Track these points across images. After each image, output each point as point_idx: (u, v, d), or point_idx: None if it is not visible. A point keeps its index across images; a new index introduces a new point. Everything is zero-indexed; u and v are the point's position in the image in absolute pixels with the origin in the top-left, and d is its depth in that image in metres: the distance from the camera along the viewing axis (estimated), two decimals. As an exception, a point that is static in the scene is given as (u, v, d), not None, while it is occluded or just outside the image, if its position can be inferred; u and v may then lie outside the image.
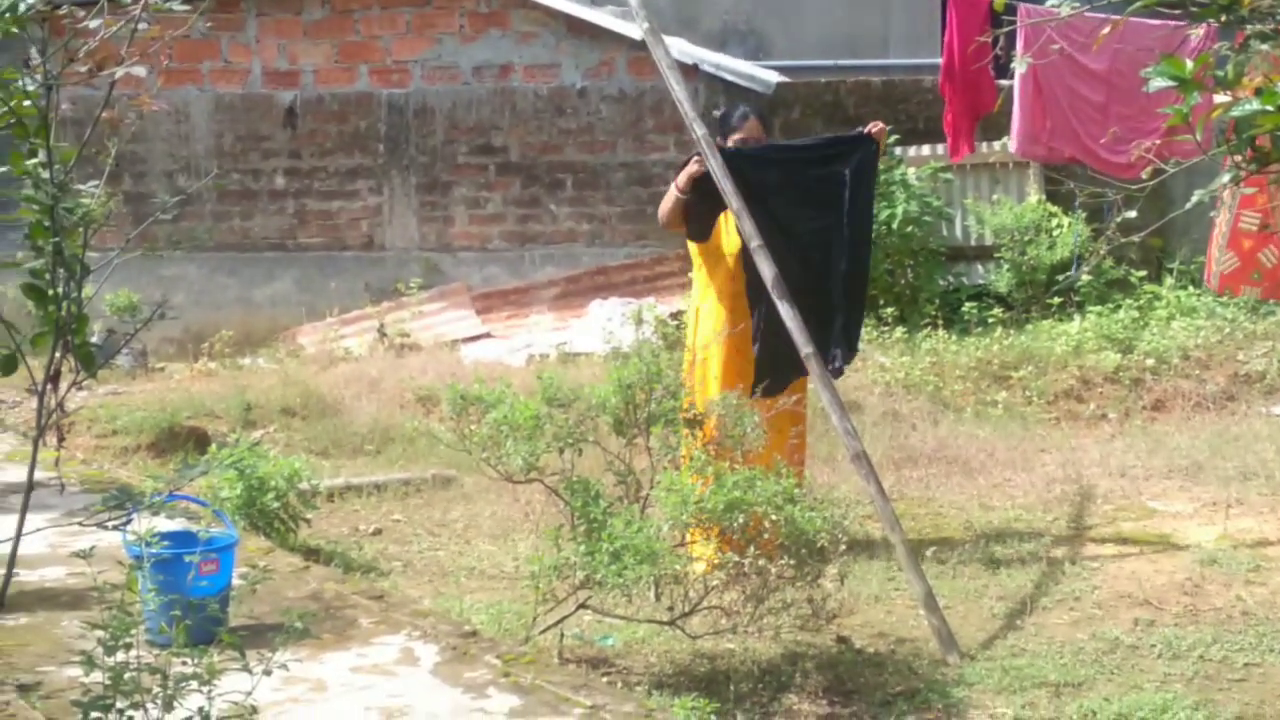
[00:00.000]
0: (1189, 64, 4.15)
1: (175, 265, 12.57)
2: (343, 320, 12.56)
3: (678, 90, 6.65)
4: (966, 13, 10.30)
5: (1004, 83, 10.53)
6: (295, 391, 10.13)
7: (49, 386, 4.00)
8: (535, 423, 5.68)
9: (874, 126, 6.96)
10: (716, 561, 5.29)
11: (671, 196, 6.85)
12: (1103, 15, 5.69)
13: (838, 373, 6.80)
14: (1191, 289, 11.69)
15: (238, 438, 7.58)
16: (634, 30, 12.01)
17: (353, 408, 10.00)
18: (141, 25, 4.02)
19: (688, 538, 5.40)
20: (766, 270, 6.27)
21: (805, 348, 6.16)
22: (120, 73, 3.90)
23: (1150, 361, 10.33)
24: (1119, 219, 5.18)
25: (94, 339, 3.97)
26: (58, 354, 3.95)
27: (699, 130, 6.51)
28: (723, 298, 6.81)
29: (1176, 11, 5.05)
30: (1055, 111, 10.16)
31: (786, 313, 6.20)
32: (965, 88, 10.36)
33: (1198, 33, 6.62)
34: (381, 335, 11.99)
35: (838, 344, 6.78)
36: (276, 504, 6.77)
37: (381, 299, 12.72)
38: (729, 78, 12.76)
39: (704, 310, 6.92)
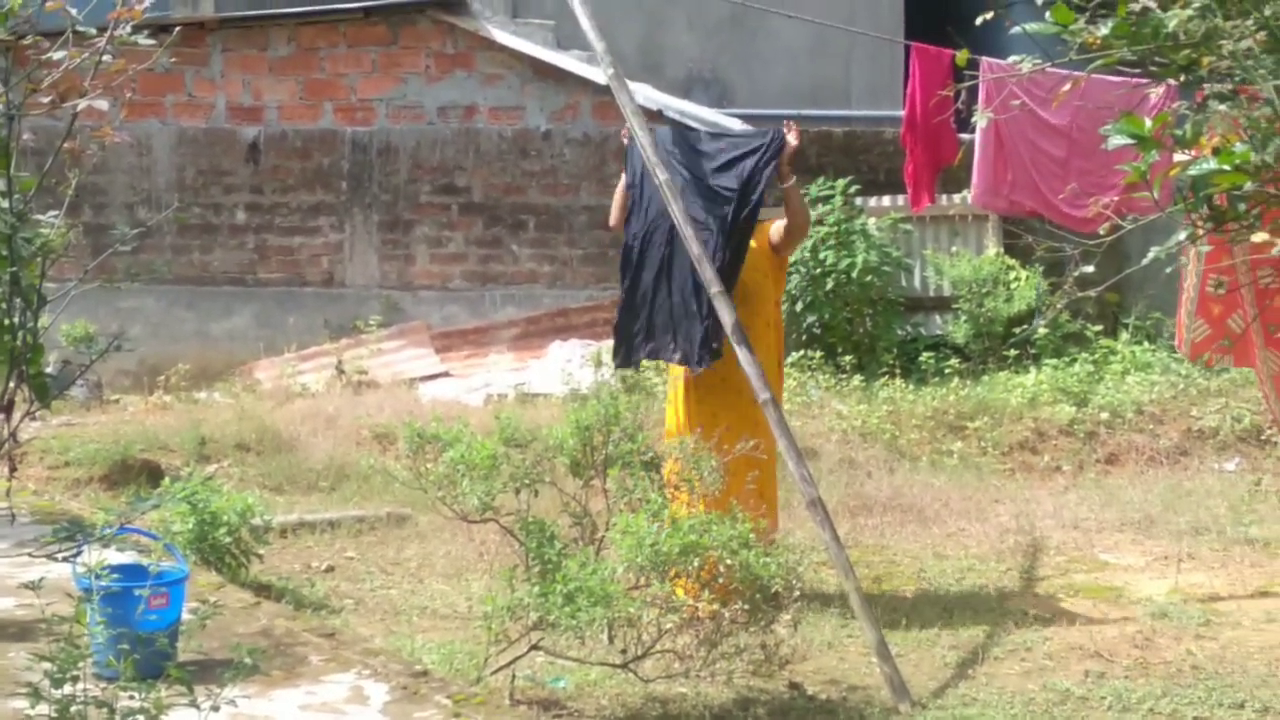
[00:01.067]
0: (1148, 122, 4.21)
1: (133, 297, 12.49)
2: (301, 356, 12.51)
3: (642, 136, 6.69)
4: (929, 66, 10.38)
5: (965, 136, 10.62)
6: (250, 426, 10.08)
7: (1, 416, 3.96)
8: (492, 462, 5.68)
9: (790, 131, 6.90)
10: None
11: (619, 191, 7.02)
12: (1064, 72, 5.76)
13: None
14: (1146, 344, 11.79)
15: (191, 472, 7.54)
16: (599, 75, 12.05)
17: (308, 444, 9.96)
18: (106, 58, 4.01)
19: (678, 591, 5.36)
20: (726, 316, 6.31)
21: (763, 393, 6.17)
22: (83, 105, 3.88)
23: (1105, 415, 10.40)
24: (1076, 274, 5.23)
25: (49, 369, 3.93)
26: (11, 384, 3.92)
27: (662, 175, 6.55)
28: None
29: (1137, 70, 5.11)
30: (1016, 164, 10.23)
31: (745, 358, 6.22)
32: (927, 140, 10.43)
33: (1157, 92, 6.69)
34: (339, 372, 11.94)
35: (704, 347, 6.74)
36: (228, 539, 6.73)
37: (340, 336, 12.68)
38: (693, 124, 12.81)
39: None
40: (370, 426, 10.15)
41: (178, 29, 5.16)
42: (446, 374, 12.44)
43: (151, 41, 4.19)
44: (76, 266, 4.55)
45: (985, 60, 9.22)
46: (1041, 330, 11.62)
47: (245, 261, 13.16)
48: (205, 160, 13.15)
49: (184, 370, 11.98)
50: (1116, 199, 5.44)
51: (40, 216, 4.02)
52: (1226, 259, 7.72)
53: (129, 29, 4.10)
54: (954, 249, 12.56)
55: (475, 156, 13.14)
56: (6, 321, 3.88)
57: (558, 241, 13.16)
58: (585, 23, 7.02)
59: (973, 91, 8.31)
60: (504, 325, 12.97)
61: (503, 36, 12.99)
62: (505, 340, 12.87)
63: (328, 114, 13.13)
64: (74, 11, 3.93)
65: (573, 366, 11.50)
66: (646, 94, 12.40)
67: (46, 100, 3.89)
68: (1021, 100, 8.96)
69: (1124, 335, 11.97)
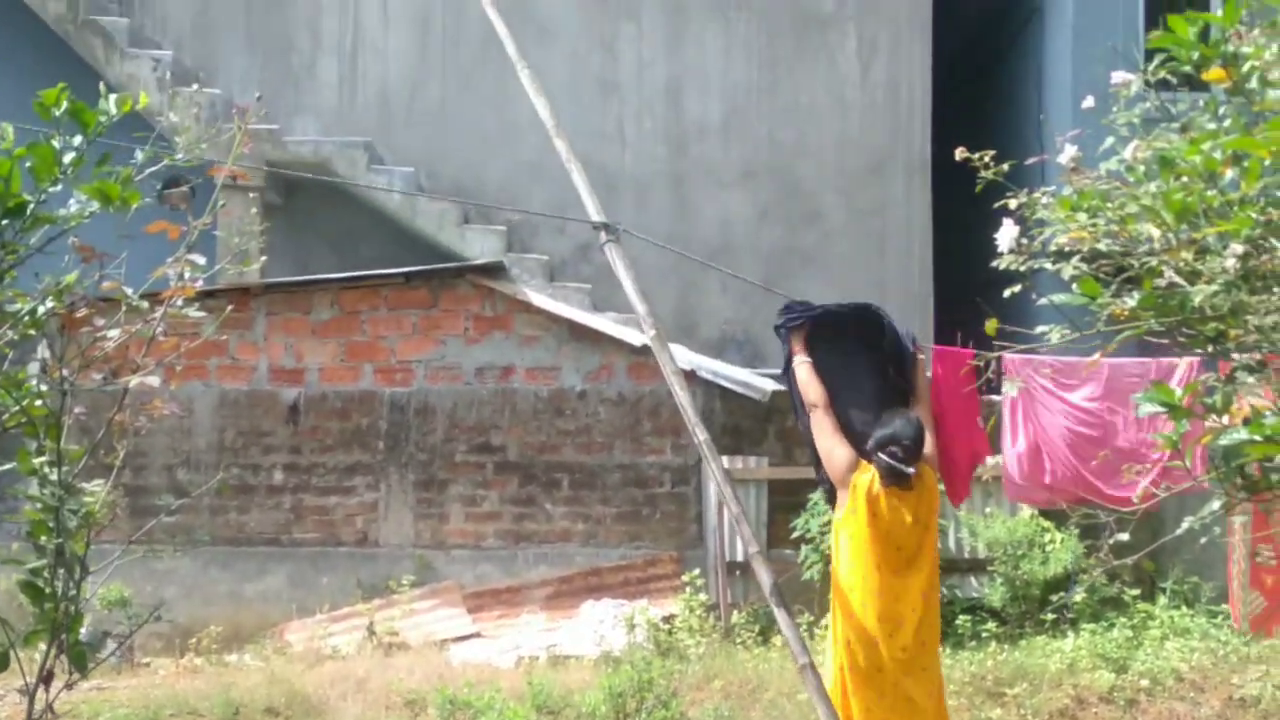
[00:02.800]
0: (1178, 391, 4.27)
1: (168, 559, 12.50)
2: (332, 617, 12.45)
3: (681, 395, 6.81)
4: (950, 368, 10.46)
5: (994, 397, 10.66)
6: (280, 690, 9.99)
7: (40, 686, 3.97)
8: (525, 732, 5.63)
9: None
10: None
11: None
12: (1081, 360, 5.84)
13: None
14: (1185, 609, 11.65)
15: (221, 738, 7.47)
16: (633, 336, 12.28)
17: (338, 709, 9.85)
18: (159, 332, 4.13)
19: None
20: (764, 577, 6.32)
21: (801, 658, 6.13)
22: (134, 381, 3.99)
23: (1145, 683, 10.22)
24: (1111, 541, 5.22)
25: (84, 635, 3.95)
26: (52, 653, 3.94)
27: (701, 435, 6.64)
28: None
29: (1164, 341, 5.18)
30: (1056, 457, 10.25)
31: (782, 620, 6.21)
32: (959, 439, 10.44)
33: (1183, 366, 6.77)
34: (370, 634, 11.88)
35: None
36: (257, 809, 6.63)
37: (373, 596, 12.63)
38: (725, 384, 12.98)
39: None
40: (401, 691, 10.05)
41: (230, 307, 5.28)
42: (478, 634, 12.35)
43: (201, 314, 4.32)
44: (116, 530, 4.59)
45: (1006, 357, 9.33)
46: (1078, 595, 11.51)
47: (281, 521, 13.22)
48: (246, 421, 13.31)
49: (216, 632, 11.93)
50: (1151, 469, 5.47)
51: (85, 485, 4.09)
52: (1273, 527, 7.71)
53: (180, 303, 4.23)
54: (987, 510, 12.53)
55: (511, 415, 13.28)
56: (49, 590, 3.91)
57: (591, 500, 13.21)
58: (629, 286, 7.21)
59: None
60: (536, 584, 12.92)
61: (540, 299, 13.27)
62: (538, 600, 12.81)
63: (367, 375, 13.34)
64: (129, 291, 4.08)
65: (605, 627, 11.41)
66: (680, 354, 12.60)
67: (99, 377, 4.01)
68: (1048, 371, 9.00)
69: (1161, 600, 11.83)
